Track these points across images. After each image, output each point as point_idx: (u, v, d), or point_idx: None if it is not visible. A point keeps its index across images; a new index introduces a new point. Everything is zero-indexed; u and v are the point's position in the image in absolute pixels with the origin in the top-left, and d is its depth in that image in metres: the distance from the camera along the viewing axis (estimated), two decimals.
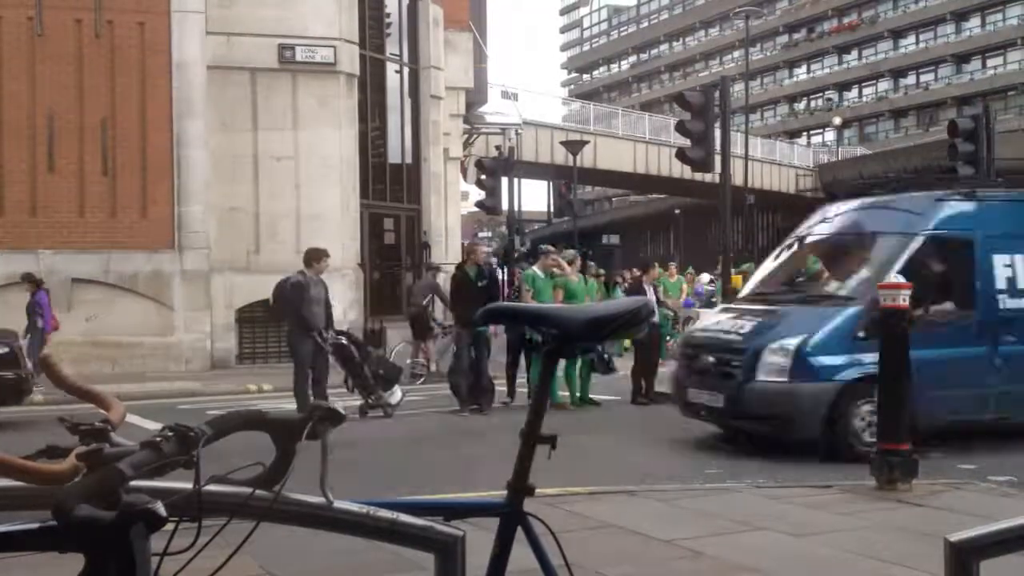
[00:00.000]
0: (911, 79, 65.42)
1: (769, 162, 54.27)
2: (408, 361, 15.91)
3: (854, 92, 69.82)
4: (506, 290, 21.32)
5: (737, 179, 25.07)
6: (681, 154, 15.21)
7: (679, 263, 25.07)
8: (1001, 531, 1.84)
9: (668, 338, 16.10)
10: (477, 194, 25.80)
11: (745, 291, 10.69)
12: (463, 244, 27.77)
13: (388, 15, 21.68)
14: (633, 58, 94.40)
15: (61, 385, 1.57)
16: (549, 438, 1.79)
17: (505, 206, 21.85)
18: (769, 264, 10.97)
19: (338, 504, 1.67)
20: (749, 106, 50.44)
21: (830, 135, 67.61)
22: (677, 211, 63.72)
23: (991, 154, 16.04)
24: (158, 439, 1.36)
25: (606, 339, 1.95)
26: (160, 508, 1.24)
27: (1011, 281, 9.27)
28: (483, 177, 21.99)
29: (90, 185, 17.47)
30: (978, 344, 9.07)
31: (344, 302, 18.44)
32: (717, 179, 15.18)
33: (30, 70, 17.21)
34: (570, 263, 13.15)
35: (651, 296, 13.42)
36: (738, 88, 44.47)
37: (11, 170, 17.27)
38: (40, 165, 17.27)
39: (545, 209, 58.64)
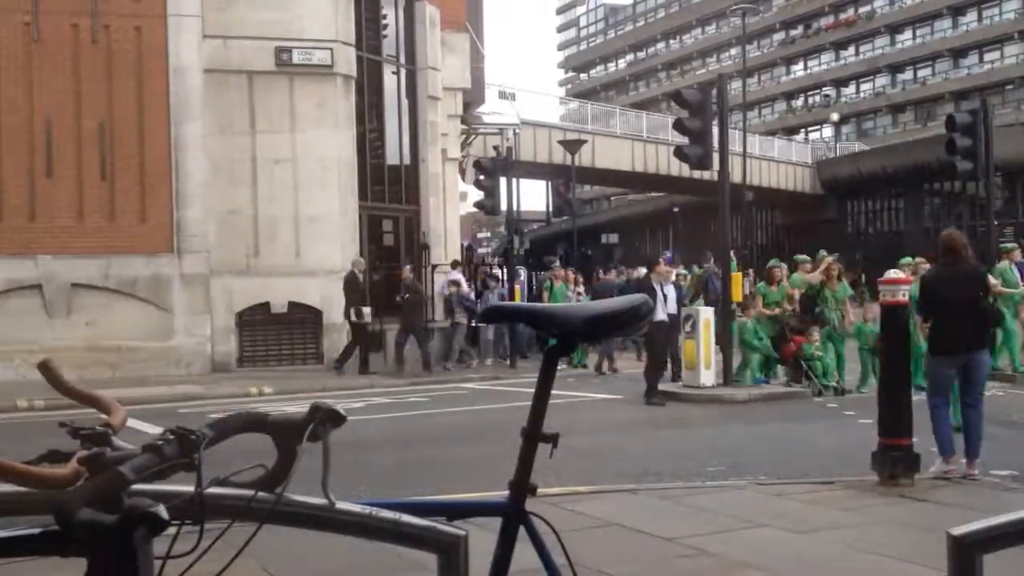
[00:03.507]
0: (908, 74, 65.44)
1: (767, 159, 54.26)
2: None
3: (851, 88, 69.83)
4: (505, 290, 21.35)
5: (735, 176, 25.03)
6: (679, 152, 15.19)
7: (677, 261, 25.06)
8: (1003, 524, 1.84)
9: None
10: (476, 194, 25.80)
11: None
12: (462, 245, 27.83)
13: (384, 17, 21.66)
14: (630, 56, 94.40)
15: (62, 390, 1.57)
16: (551, 437, 1.79)
17: (504, 206, 21.81)
18: None
19: (340, 505, 1.67)
20: (747, 103, 50.47)
21: (828, 131, 67.57)
22: (675, 209, 63.72)
23: (989, 149, 16.04)
24: (159, 442, 1.36)
25: (606, 337, 1.94)
26: (162, 511, 1.24)
27: None
28: (481, 177, 21.98)
29: (88, 190, 17.45)
30: None
31: (344, 304, 18.47)
32: (715, 177, 15.16)
33: (27, 75, 17.19)
34: None
35: (660, 294, 13.24)
36: (735, 85, 44.40)
37: (9, 176, 17.26)
38: (38, 170, 17.26)
39: (544, 209, 58.63)
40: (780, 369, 14.98)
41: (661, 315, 13.13)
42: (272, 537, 1.73)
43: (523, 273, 25.06)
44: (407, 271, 18.65)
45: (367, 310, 17.60)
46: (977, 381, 7.38)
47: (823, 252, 15.79)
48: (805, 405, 12.98)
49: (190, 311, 17.76)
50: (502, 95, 34.60)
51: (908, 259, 14.95)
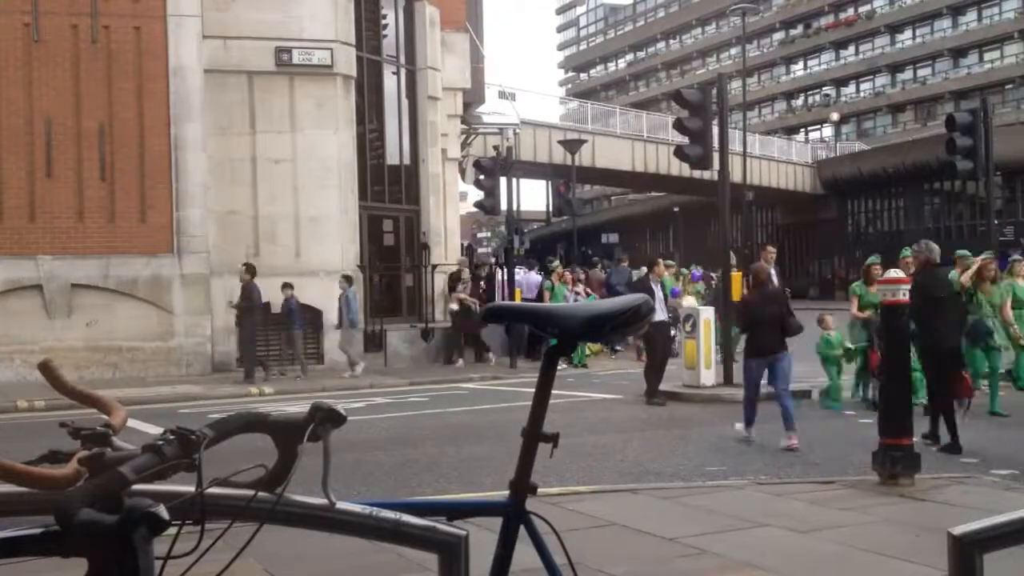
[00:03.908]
0: (908, 74, 65.43)
1: (767, 159, 54.26)
2: None
3: (851, 88, 69.82)
4: (505, 290, 21.34)
5: (735, 176, 25.05)
6: (679, 152, 15.19)
7: (679, 261, 25.14)
8: (1004, 524, 1.84)
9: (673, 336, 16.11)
10: (476, 194, 25.80)
11: None
12: (462, 244, 27.84)
13: (384, 17, 21.66)
14: (630, 56, 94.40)
15: (62, 390, 1.57)
16: (551, 436, 1.79)
17: (504, 206, 21.80)
18: None
19: (341, 505, 1.67)
20: (747, 103, 50.45)
21: (828, 131, 67.59)
22: (676, 209, 63.74)
23: (989, 148, 16.04)
24: (160, 443, 1.36)
25: (606, 337, 1.93)
26: (163, 512, 1.24)
27: None
28: (481, 177, 21.98)
29: (88, 190, 17.46)
30: None
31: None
32: (716, 176, 15.16)
33: (27, 76, 17.19)
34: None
35: (659, 294, 13.15)
36: (735, 85, 44.42)
37: (10, 176, 17.27)
38: (38, 171, 17.26)
39: (544, 208, 58.62)
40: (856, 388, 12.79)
41: (661, 315, 13.07)
42: (273, 537, 1.73)
43: (522, 273, 25.01)
44: (243, 271, 16.63)
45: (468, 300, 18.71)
46: (781, 374, 9.68)
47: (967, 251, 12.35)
48: (805, 405, 12.95)
49: (190, 311, 17.76)
50: (502, 95, 34.57)
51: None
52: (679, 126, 15.11)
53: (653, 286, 13.06)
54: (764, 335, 9.74)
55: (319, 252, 18.33)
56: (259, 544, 1.54)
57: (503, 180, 21.25)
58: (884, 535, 5.61)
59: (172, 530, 1.31)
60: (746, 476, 7.77)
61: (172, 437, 1.38)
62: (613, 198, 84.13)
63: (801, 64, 74.09)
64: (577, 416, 11.75)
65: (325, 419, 1.53)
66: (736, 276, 14.86)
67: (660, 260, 14.57)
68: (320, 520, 1.69)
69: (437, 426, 11.51)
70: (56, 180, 17.31)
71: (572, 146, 33.46)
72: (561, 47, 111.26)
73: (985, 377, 11.41)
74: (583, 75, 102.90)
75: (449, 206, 24.01)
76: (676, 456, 9.03)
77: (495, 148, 25.67)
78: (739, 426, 9.98)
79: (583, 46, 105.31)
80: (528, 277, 22.62)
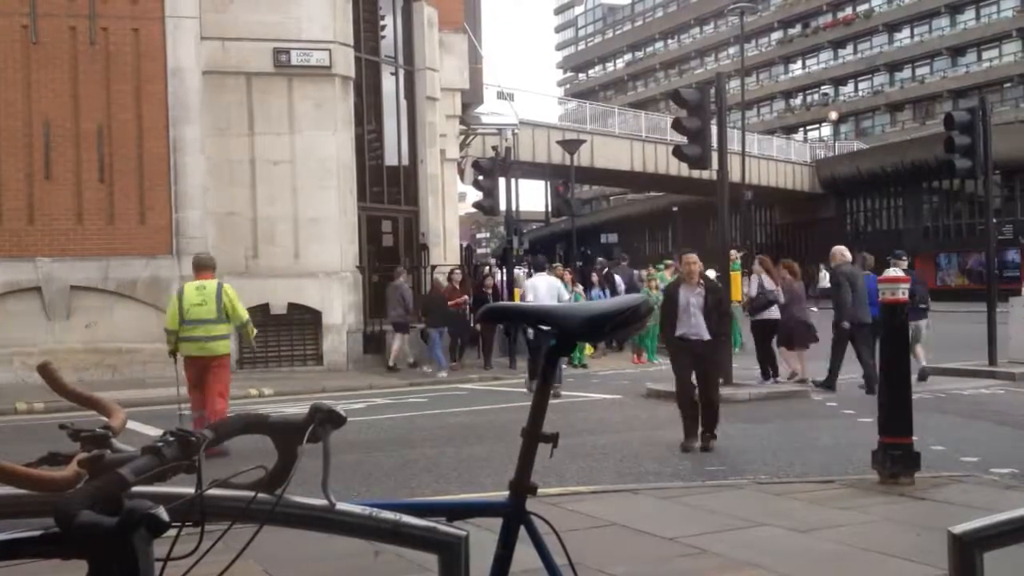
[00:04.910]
0: (907, 73, 65.44)
1: (766, 158, 54.28)
2: None
3: (850, 87, 69.83)
4: (505, 292, 21.34)
5: (734, 176, 25.01)
6: (678, 151, 15.18)
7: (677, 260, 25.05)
8: (1004, 522, 1.84)
9: None
10: (474, 195, 25.81)
11: None
12: (461, 245, 27.85)
13: (382, 17, 21.66)
14: (628, 56, 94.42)
15: (62, 392, 1.57)
16: (551, 436, 1.79)
17: (503, 206, 21.78)
18: None
19: (341, 506, 1.67)
20: (745, 102, 50.43)
21: (826, 130, 67.61)
22: (674, 208, 63.76)
23: (988, 147, 16.03)
24: (160, 444, 1.36)
25: (606, 337, 1.93)
26: (162, 513, 1.24)
27: None
28: (480, 178, 21.96)
29: (87, 192, 17.45)
30: None
31: (343, 305, 18.47)
32: (714, 176, 15.16)
33: (26, 78, 17.19)
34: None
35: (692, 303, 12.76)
36: (734, 84, 44.47)
37: (8, 178, 17.26)
38: (37, 173, 17.25)
39: (543, 209, 58.63)
40: None
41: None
42: (273, 538, 1.73)
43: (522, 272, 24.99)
44: None
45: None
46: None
47: None
48: (805, 404, 12.97)
49: None
50: (500, 95, 34.59)
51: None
52: (678, 126, 15.10)
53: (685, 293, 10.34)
54: None
55: (318, 253, 18.33)
56: (259, 545, 1.54)
57: (502, 180, 21.24)
58: (884, 534, 5.61)
59: (172, 532, 1.31)
60: (746, 476, 7.77)
61: (172, 439, 1.38)
62: (612, 198, 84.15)
63: (799, 63, 74.11)
64: (577, 416, 11.75)
65: (325, 420, 1.53)
66: (736, 276, 14.84)
67: (692, 262, 10.34)
68: (320, 521, 1.69)
69: (437, 427, 11.50)
70: (55, 182, 17.30)
71: (571, 146, 33.45)
72: (559, 47, 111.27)
73: None
74: (581, 75, 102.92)
75: (448, 207, 24.01)
76: (676, 456, 9.03)
77: (494, 148, 25.67)
78: None
79: (581, 46, 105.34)
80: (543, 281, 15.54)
